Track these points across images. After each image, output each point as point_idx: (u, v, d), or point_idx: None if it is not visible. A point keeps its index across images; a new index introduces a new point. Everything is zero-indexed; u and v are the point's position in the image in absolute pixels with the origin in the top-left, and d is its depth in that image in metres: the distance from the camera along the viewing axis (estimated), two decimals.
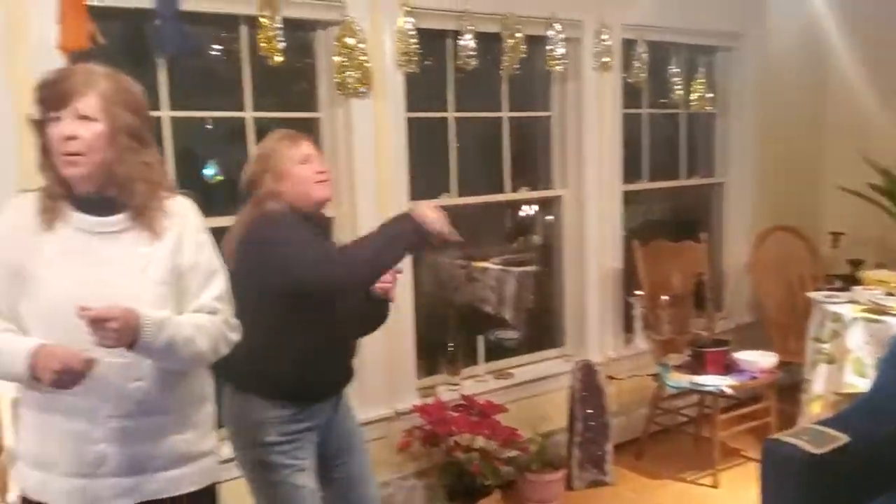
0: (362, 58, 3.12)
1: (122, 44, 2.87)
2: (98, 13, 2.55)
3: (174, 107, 2.89)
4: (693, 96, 4.34)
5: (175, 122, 2.90)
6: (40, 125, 1.63)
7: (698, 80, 4.34)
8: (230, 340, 1.75)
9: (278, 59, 2.93)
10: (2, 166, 2.39)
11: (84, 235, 1.64)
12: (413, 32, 3.24)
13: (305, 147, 2.22)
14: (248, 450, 2.16)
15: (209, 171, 3.29)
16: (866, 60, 4.68)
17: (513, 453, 3.42)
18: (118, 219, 1.65)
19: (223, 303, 1.74)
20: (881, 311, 3.42)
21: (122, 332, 1.50)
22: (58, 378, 1.51)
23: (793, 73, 4.74)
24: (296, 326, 2.11)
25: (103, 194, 1.65)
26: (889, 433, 2.57)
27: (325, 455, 2.26)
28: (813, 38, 4.73)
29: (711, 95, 4.40)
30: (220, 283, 1.75)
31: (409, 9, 3.23)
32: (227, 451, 2.14)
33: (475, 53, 3.42)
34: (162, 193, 1.70)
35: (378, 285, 2.24)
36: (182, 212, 1.73)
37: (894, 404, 2.64)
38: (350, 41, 3.10)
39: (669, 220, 4.80)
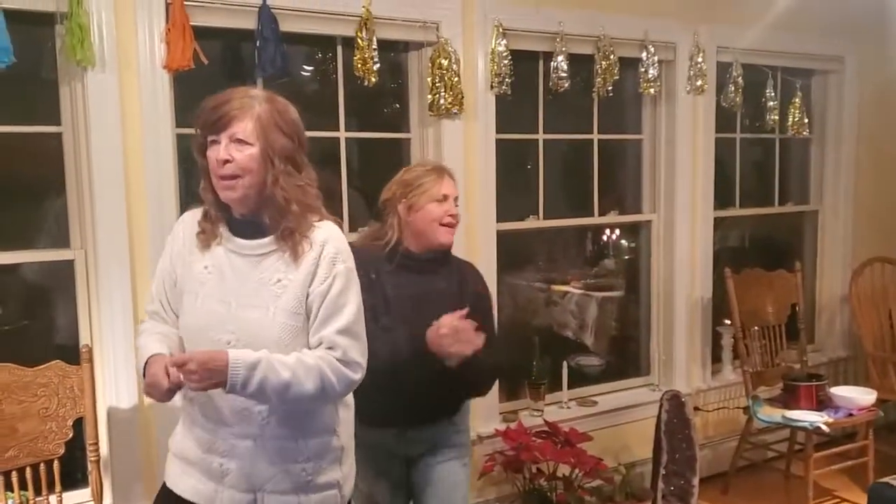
0: (454, 79, 3.13)
1: (223, 63, 2.95)
2: (201, 33, 2.64)
3: None
4: (789, 121, 4.20)
5: None
6: (202, 148, 1.67)
7: (795, 104, 4.20)
8: (346, 378, 1.68)
9: (373, 79, 2.96)
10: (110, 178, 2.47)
11: (233, 257, 1.69)
12: (506, 54, 3.24)
13: (447, 186, 2.23)
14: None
15: None
16: None
17: (596, 483, 3.34)
18: (264, 242, 1.68)
19: (346, 337, 1.68)
20: None
21: (201, 374, 1.53)
22: (148, 390, 1.60)
23: (893, 99, 4.54)
24: None
25: (256, 217, 1.68)
26: None
27: (408, 487, 2.34)
28: None
29: (808, 120, 4.26)
30: (346, 317, 1.68)
31: (502, 30, 3.22)
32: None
33: (567, 75, 3.39)
34: (312, 217, 1.70)
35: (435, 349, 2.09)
36: (324, 238, 1.69)
37: None
38: (443, 62, 3.11)
39: (761, 248, 4.65)
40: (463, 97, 3.15)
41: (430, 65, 3.11)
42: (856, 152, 4.43)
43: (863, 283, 4.28)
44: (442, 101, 3.12)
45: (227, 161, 1.61)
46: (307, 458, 1.72)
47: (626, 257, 4.10)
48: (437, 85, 3.12)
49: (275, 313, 1.65)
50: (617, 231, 4.03)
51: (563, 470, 3.24)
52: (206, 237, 1.69)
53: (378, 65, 2.96)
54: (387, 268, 2.21)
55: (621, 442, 3.66)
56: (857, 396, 3.62)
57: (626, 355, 4.07)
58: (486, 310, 2.34)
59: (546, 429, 3.33)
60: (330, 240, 1.70)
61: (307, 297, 1.67)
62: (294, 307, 1.66)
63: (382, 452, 2.27)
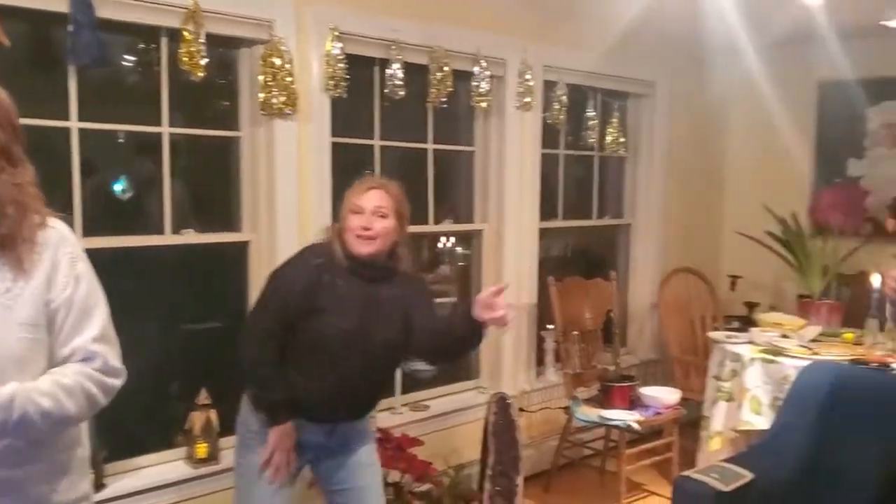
0: (288, 79, 3.07)
1: (30, 47, 2.72)
2: (5, 12, 2.41)
3: (83, 118, 2.73)
4: (607, 139, 4.49)
5: (84, 133, 2.74)
6: None
7: (612, 124, 4.50)
8: (109, 388, 1.55)
9: (200, 74, 2.84)
10: None
11: None
12: (341, 57, 3.22)
13: (367, 198, 2.32)
14: (238, 433, 2.44)
15: (119, 186, 3.14)
16: (763, 116, 4.97)
17: (425, 487, 3.38)
18: None
19: (103, 344, 1.54)
20: (777, 352, 3.59)
21: None
22: None
23: (699, 123, 5.00)
24: (290, 349, 2.31)
25: None
26: (789, 470, 2.70)
27: (322, 477, 2.52)
28: (717, 91, 5.00)
29: (624, 140, 4.57)
30: (99, 321, 1.54)
31: (337, 34, 3.20)
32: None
33: (403, 83, 3.42)
34: (34, 218, 1.49)
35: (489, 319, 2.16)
36: (58, 240, 1.52)
37: (794, 443, 2.78)
38: (276, 61, 3.04)
39: (582, 258, 4.93)
40: (297, 98, 3.09)
41: (261, 63, 3.03)
42: (665, 171, 4.81)
43: (669, 291, 4.64)
44: (275, 101, 3.05)
45: None
46: (60, 475, 1.56)
47: (460, 265, 4.20)
48: (269, 84, 3.04)
49: (10, 328, 1.44)
50: (452, 238, 4.12)
51: (395, 476, 3.25)
52: None
53: (206, 59, 2.84)
54: (340, 272, 2.31)
55: (451, 445, 3.72)
56: (664, 396, 3.91)
57: (458, 360, 4.15)
58: (429, 302, 2.52)
59: (378, 436, 3.32)
60: (64, 241, 1.54)
61: (48, 306, 1.49)
62: (33, 318, 1.47)
63: (305, 445, 2.39)
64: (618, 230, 4.89)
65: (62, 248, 1.52)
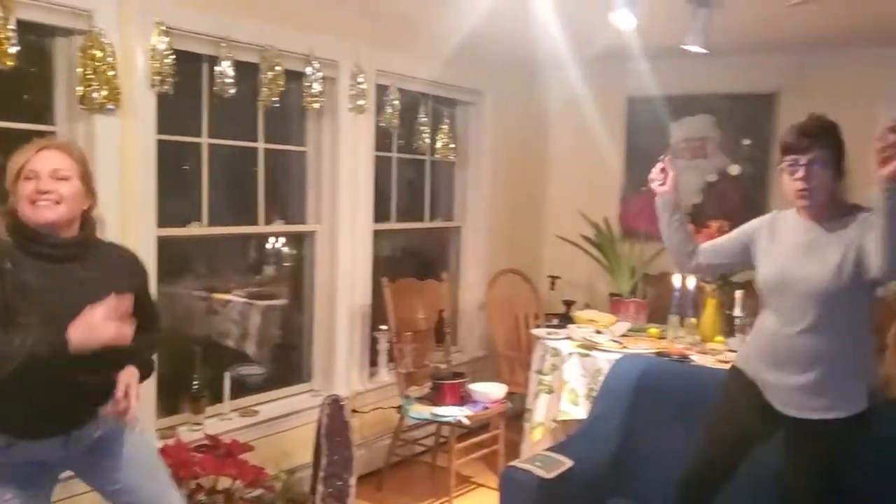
0: (110, 73, 2.92)
1: None
2: None
3: None
4: (438, 144, 4.63)
5: None
6: None
7: (443, 130, 4.65)
8: None
9: (9, 63, 2.64)
10: None
11: None
12: (168, 52, 3.11)
13: (37, 159, 1.98)
14: None
15: None
16: (579, 128, 5.33)
17: (257, 492, 3.33)
18: None
19: None
20: (592, 346, 3.86)
21: None
22: None
23: (524, 132, 5.28)
24: None
25: None
26: (605, 455, 2.93)
27: (94, 484, 2.28)
28: (540, 102, 5.30)
29: (454, 145, 4.73)
30: None
31: (164, 28, 3.09)
32: None
33: (233, 81, 3.35)
34: None
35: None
36: None
37: (607, 432, 3.02)
38: (97, 53, 2.88)
39: (416, 259, 5.05)
40: (120, 93, 2.95)
41: (81, 55, 2.86)
42: (492, 177, 5.03)
43: (496, 291, 4.86)
44: (95, 95, 2.89)
45: None
46: None
47: (291, 266, 4.17)
48: (89, 77, 2.88)
49: None
50: (283, 240, 4.08)
51: (226, 483, 3.18)
52: None
53: (17, 48, 2.65)
54: (17, 254, 1.97)
55: (283, 449, 3.69)
56: (491, 391, 4.08)
57: (289, 363, 4.13)
58: (146, 288, 2.28)
59: (207, 442, 3.24)
60: None
61: None
62: None
63: (36, 466, 2.07)
64: (449, 232, 5.05)
65: None
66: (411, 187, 4.79)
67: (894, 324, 4.01)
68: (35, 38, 2.90)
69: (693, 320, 3.99)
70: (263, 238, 4.02)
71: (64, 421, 2.07)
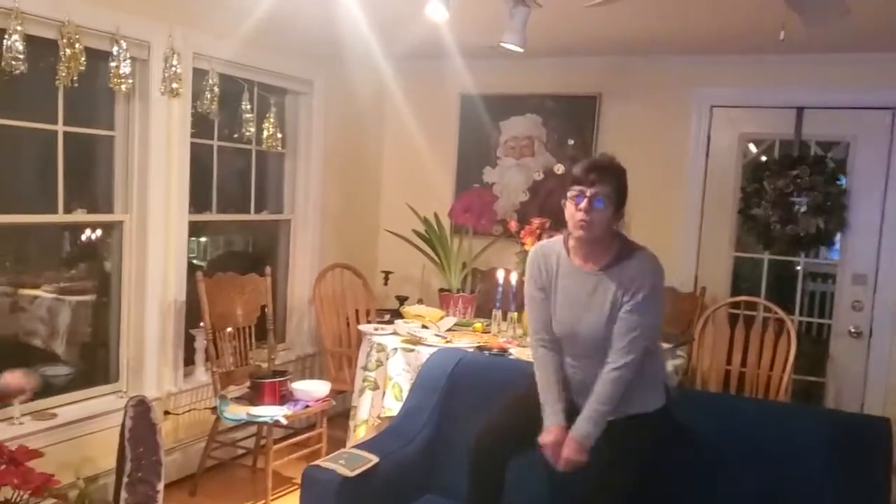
0: None
1: None
2: None
3: None
4: (264, 134, 4.48)
5: None
6: None
7: (269, 119, 4.49)
8: None
9: None
10: None
11: None
12: None
13: None
14: None
15: None
16: (414, 122, 5.34)
17: (48, 502, 3.08)
18: None
19: None
20: (416, 341, 3.87)
21: None
22: None
23: (356, 125, 5.22)
24: None
25: None
26: (412, 452, 2.92)
27: None
28: (374, 96, 5.26)
29: (281, 136, 4.59)
30: None
31: None
32: None
33: (23, 58, 3.08)
34: None
35: None
36: None
37: (417, 426, 3.02)
38: None
39: (244, 252, 4.86)
40: None
41: None
42: (323, 169, 4.93)
43: (325, 286, 4.77)
44: None
45: None
46: None
47: (103, 258, 3.90)
48: None
49: None
50: (99, 231, 3.80)
51: (8, 493, 2.91)
52: None
53: None
54: None
55: (85, 454, 3.45)
56: (314, 389, 4.00)
57: (96, 362, 3.85)
58: None
59: None
60: None
61: None
62: None
63: None
64: (279, 225, 4.90)
65: None
66: (238, 178, 4.60)
67: (700, 319, 4.30)
68: None
69: (515, 314, 4.08)
70: (78, 229, 3.73)
71: None
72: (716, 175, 4.74)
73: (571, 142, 5.02)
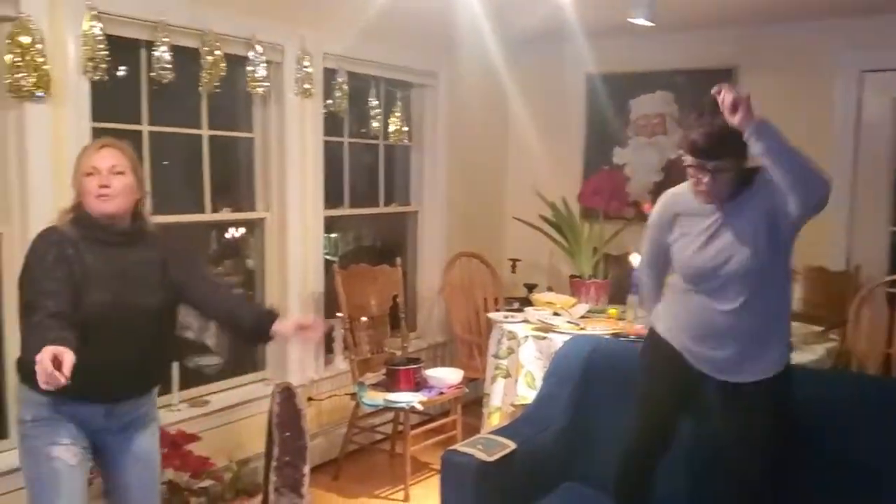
0: (39, 59, 2.85)
1: None
2: None
3: None
4: (391, 128, 4.57)
5: None
6: None
7: (396, 114, 4.58)
8: None
9: None
10: None
11: None
12: (101, 38, 3.03)
13: (99, 158, 2.23)
14: (19, 429, 2.29)
15: None
16: (537, 107, 5.28)
17: (205, 483, 3.29)
18: None
19: None
20: (548, 328, 3.85)
21: None
22: None
23: (480, 114, 5.22)
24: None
25: None
26: (549, 439, 2.90)
27: (108, 471, 2.40)
28: (496, 83, 5.25)
29: (407, 129, 4.67)
30: None
31: (96, 13, 3.01)
32: None
33: (171, 67, 3.28)
34: None
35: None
36: None
37: (554, 413, 2.99)
38: (24, 40, 2.81)
39: (374, 244, 5.00)
40: (50, 80, 2.88)
41: (8, 41, 2.79)
42: (449, 160, 4.98)
43: (453, 275, 4.82)
44: (24, 83, 2.82)
45: None
46: None
47: (246, 254, 4.11)
48: (17, 64, 2.81)
49: None
50: (242, 230, 4.02)
51: (170, 475, 3.14)
52: None
53: None
54: (82, 243, 2.20)
55: (235, 439, 3.65)
56: (447, 376, 4.06)
57: (244, 352, 4.07)
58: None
59: None
60: None
61: None
62: None
63: (84, 428, 2.27)
64: (406, 217, 5.00)
65: None
66: (366, 172, 4.73)
67: (855, 299, 4.02)
68: None
69: None
70: (223, 228, 3.96)
71: (111, 390, 2.27)
72: (868, 145, 4.42)
73: (695, 114, 4.81)
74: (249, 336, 2.53)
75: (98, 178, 2.20)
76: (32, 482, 2.25)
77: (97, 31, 3.03)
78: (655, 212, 2.55)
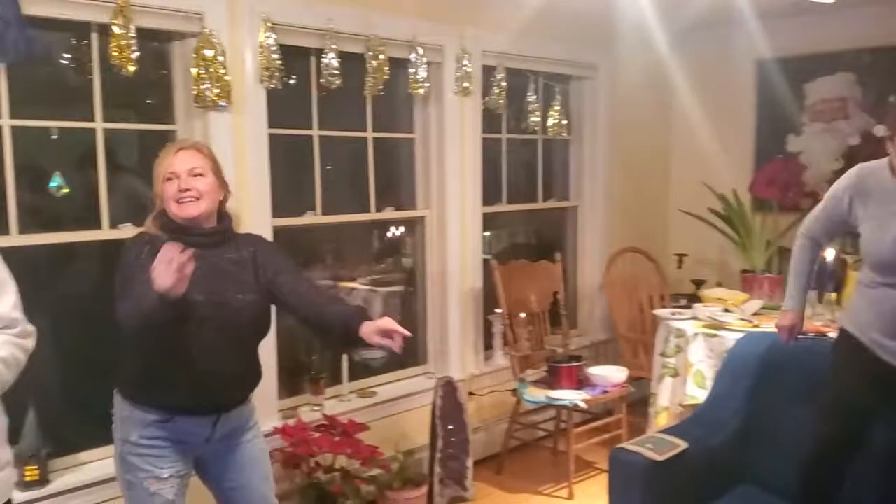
0: (221, 71, 3.06)
1: None
2: None
3: (15, 115, 2.72)
4: (549, 123, 4.53)
5: (16, 131, 2.73)
6: None
7: (554, 108, 4.54)
8: (28, 349, 1.75)
9: (131, 68, 2.83)
10: None
11: None
12: (275, 48, 3.22)
13: (177, 162, 2.16)
14: (116, 445, 2.24)
15: (54, 183, 3.11)
16: (705, 95, 5.05)
17: (374, 472, 3.41)
18: None
19: (18, 310, 1.74)
20: (719, 326, 3.67)
21: None
22: None
23: (642, 105, 5.06)
24: (139, 341, 2.10)
25: None
26: (723, 440, 2.76)
27: (210, 478, 2.36)
28: (659, 72, 5.07)
29: (566, 122, 4.61)
30: (13, 290, 1.74)
31: (270, 24, 3.20)
32: None
33: (339, 72, 3.43)
34: None
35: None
36: None
37: (727, 413, 2.85)
38: (208, 53, 3.03)
39: (529, 241, 4.98)
40: (231, 90, 3.09)
41: (194, 55, 3.02)
42: (608, 153, 4.86)
43: (616, 271, 4.71)
44: (208, 94, 3.05)
45: None
46: None
47: (407, 252, 4.22)
48: (202, 76, 3.03)
49: None
50: (402, 228, 4.14)
51: (343, 462, 3.28)
52: None
53: (137, 53, 2.83)
54: None
55: (400, 430, 3.75)
56: (611, 374, 3.97)
57: (406, 346, 4.14)
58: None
59: (325, 422, 3.35)
60: None
61: None
62: None
63: (190, 442, 2.23)
64: (565, 213, 4.94)
65: None
66: (524, 168, 4.71)
67: None
68: (155, 44, 3.09)
69: (832, 295, 3.71)
70: (384, 227, 4.10)
71: (214, 396, 2.22)
72: None
73: (894, 98, 4.41)
74: (339, 337, 2.17)
75: (177, 182, 2.14)
76: None
77: (271, 41, 3.22)
78: (842, 184, 2.37)
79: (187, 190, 2.13)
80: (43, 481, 2.75)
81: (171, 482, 2.20)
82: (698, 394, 3.56)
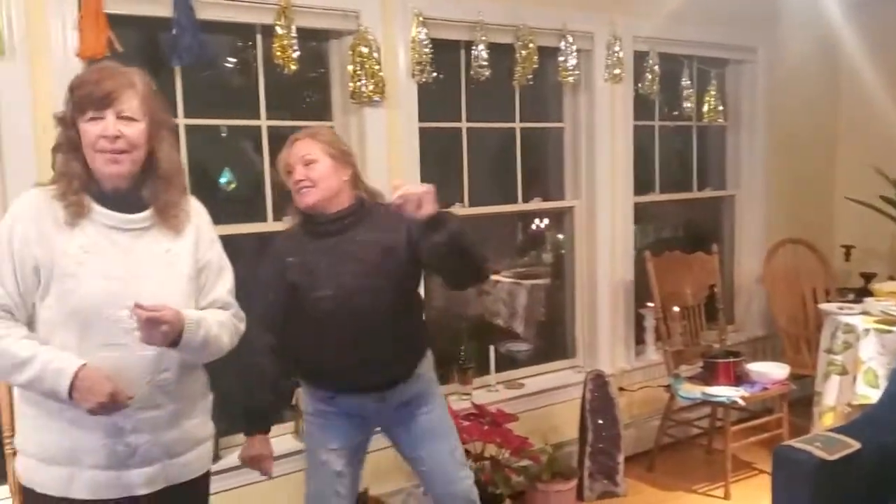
0: (375, 67, 3.16)
1: (139, 52, 2.92)
2: (116, 21, 2.61)
3: (188, 114, 2.93)
4: (705, 108, 4.35)
5: (189, 129, 2.93)
6: (70, 123, 1.67)
7: (710, 93, 4.35)
8: (240, 331, 1.87)
9: (293, 67, 2.98)
10: (21, 166, 2.44)
11: (110, 232, 1.68)
12: (426, 42, 3.28)
13: (293, 154, 2.25)
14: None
15: (224, 178, 3.33)
16: (880, 72, 4.66)
17: (524, 463, 3.41)
18: (145, 215, 1.72)
19: (233, 296, 1.87)
20: (893, 321, 3.41)
21: (170, 333, 1.59)
22: (100, 408, 1.57)
23: (805, 86, 4.76)
24: (294, 326, 2.25)
25: (134, 191, 1.71)
26: None
27: (396, 444, 2.49)
28: (826, 51, 4.75)
29: (723, 108, 4.41)
30: (230, 278, 1.87)
31: (422, 19, 3.27)
32: None
33: (488, 64, 3.45)
34: (182, 188, 1.80)
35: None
36: (197, 210, 1.85)
37: None
38: (364, 50, 3.13)
39: (682, 232, 4.81)
40: (384, 85, 3.18)
41: (350, 53, 3.13)
42: (768, 139, 4.60)
43: (776, 263, 4.45)
44: (363, 90, 3.15)
45: (117, 136, 1.64)
46: (197, 412, 1.82)
47: (553, 244, 4.19)
48: (358, 73, 3.14)
49: (173, 279, 1.73)
50: (546, 220, 4.12)
51: (492, 451, 3.30)
52: (75, 211, 1.64)
53: (298, 52, 2.97)
54: (303, 241, 2.28)
55: (549, 422, 3.74)
56: (772, 371, 3.77)
57: (553, 339, 4.16)
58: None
59: (474, 411, 3.38)
60: (202, 210, 1.87)
61: (197, 264, 1.78)
62: (189, 272, 1.76)
63: (361, 415, 2.36)
64: (722, 203, 4.72)
65: (201, 216, 1.85)
66: (677, 156, 4.55)
67: None
68: (314, 43, 3.24)
69: None
70: (529, 218, 4.08)
71: (373, 382, 2.29)
72: None
73: None
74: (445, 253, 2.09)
75: (295, 173, 2.22)
76: (308, 470, 2.41)
77: (423, 35, 3.28)
78: None
79: (302, 180, 2.21)
80: (215, 457, 2.94)
81: (340, 454, 2.32)
82: (870, 393, 3.32)
